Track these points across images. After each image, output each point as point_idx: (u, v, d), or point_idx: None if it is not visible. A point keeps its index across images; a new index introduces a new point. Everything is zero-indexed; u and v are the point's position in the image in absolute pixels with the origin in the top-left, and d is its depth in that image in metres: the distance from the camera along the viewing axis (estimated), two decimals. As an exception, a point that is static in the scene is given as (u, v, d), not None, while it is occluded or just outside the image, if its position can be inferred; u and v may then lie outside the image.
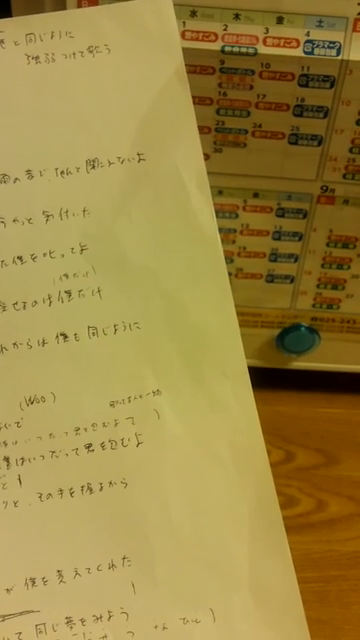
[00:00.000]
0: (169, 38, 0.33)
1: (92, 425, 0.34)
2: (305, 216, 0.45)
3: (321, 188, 0.44)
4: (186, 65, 0.34)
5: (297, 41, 0.39)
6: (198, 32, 0.38)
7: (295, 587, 0.35)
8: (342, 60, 0.39)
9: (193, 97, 0.34)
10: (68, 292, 0.34)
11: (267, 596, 0.35)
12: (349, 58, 0.39)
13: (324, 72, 0.39)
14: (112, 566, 0.34)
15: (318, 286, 0.48)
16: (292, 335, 0.50)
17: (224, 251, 0.35)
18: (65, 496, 0.34)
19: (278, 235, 0.46)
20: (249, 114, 0.41)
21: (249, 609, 0.34)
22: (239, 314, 0.35)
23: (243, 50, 0.39)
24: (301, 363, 0.52)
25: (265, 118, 0.41)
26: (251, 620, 0.34)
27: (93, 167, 0.33)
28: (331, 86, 0.40)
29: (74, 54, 0.33)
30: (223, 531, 0.34)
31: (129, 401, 0.34)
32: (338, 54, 0.39)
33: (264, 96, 0.40)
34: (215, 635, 0.34)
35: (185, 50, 0.34)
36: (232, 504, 0.35)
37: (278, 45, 0.39)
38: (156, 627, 0.34)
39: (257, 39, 0.39)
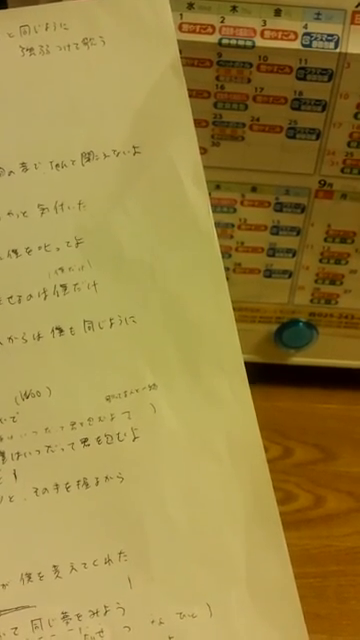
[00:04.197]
0: (164, 30, 0.33)
1: (88, 420, 0.34)
2: (303, 211, 0.45)
3: (319, 182, 0.44)
4: (183, 58, 0.34)
5: (295, 34, 0.38)
6: (195, 24, 0.38)
7: (292, 581, 0.35)
8: (340, 53, 0.39)
9: (190, 90, 0.34)
10: (63, 286, 0.33)
11: (264, 591, 0.34)
12: (347, 51, 0.38)
13: (322, 65, 0.39)
14: (108, 561, 0.34)
15: (316, 281, 0.48)
16: (290, 330, 0.50)
17: (222, 246, 0.35)
18: (61, 491, 0.34)
19: (276, 230, 0.46)
20: (247, 107, 0.41)
21: (246, 604, 0.34)
22: (237, 309, 0.35)
23: (240, 43, 0.39)
24: (299, 358, 0.52)
25: (263, 111, 0.41)
26: (248, 615, 0.34)
27: (88, 160, 0.33)
28: (329, 79, 0.40)
29: (69, 46, 0.33)
30: (219, 526, 0.34)
31: (125, 395, 0.34)
32: (336, 47, 0.38)
33: (262, 89, 0.40)
34: (212, 630, 0.34)
35: (182, 43, 0.34)
36: (228, 498, 0.34)
37: (276, 38, 0.39)
38: (153, 622, 0.34)
39: (255, 31, 0.38)
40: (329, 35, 0.38)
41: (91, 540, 0.34)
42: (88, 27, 0.33)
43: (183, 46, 0.35)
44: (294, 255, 0.47)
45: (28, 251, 0.33)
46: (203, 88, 0.40)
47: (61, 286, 0.33)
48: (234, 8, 0.38)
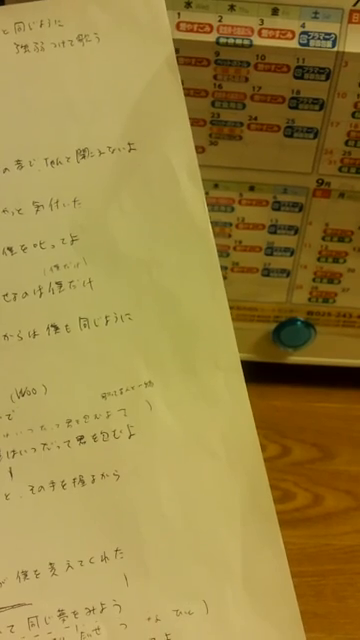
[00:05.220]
0: (159, 27, 0.33)
1: (84, 417, 0.34)
2: (301, 209, 0.45)
3: (317, 181, 0.44)
4: (181, 57, 0.34)
5: (292, 33, 0.39)
6: (193, 23, 0.38)
7: (288, 579, 0.35)
8: (337, 52, 0.39)
9: (188, 89, 0.34)
10: (59, 283, 0.33)
11: (260, 588, 0.34)
12: (344, 50, 0.38)
13: (320, 64, 0.39)
14: (104, 558, 0.34)
15: (314, 280, 0.48)
16: (288, 329, 0.50)
17: (220, 245, 0.35)
18: (57, 488, 0.34)
19: (274, 229, 0.46)
20: (244, 106, 0.41)
21: (242, 601, 0.34)
22: (235, 308, 0.35)
23: (238, 42, 0.39)
24: (297, 357, 0.52)
25: (261, 110, 0.41)
26: (244, 612, 0.34)
27: (83, 157, 0.33)
28: (327, 78, 0.40)
29: (63, 43, 0.33)
30: (215, 523, 0.34)
31: (121, 393, 0.34)
32: (334, 46, 0.38)
33: (259, 88, 0.40)
34: (208, 627, 0.34)
35: (180, 42, 0.34)
36: (224, 496, 0.34)
37: (273, 37, 0.39)
38: (149, 619, 0.34)
39: (252, 30, 0.38)
40: (326, 34, 0.38)
41: (87, 537, 0.34)
42: (83, 24, 0.33)
43: (181, 45, 0.35)
44: (292, 254, 0.47)
45: (23, 248, 0.33)
46: (201, 87, 0.40)
47: (56, 283, 0.33)
48: (232, 7, 0.38)
